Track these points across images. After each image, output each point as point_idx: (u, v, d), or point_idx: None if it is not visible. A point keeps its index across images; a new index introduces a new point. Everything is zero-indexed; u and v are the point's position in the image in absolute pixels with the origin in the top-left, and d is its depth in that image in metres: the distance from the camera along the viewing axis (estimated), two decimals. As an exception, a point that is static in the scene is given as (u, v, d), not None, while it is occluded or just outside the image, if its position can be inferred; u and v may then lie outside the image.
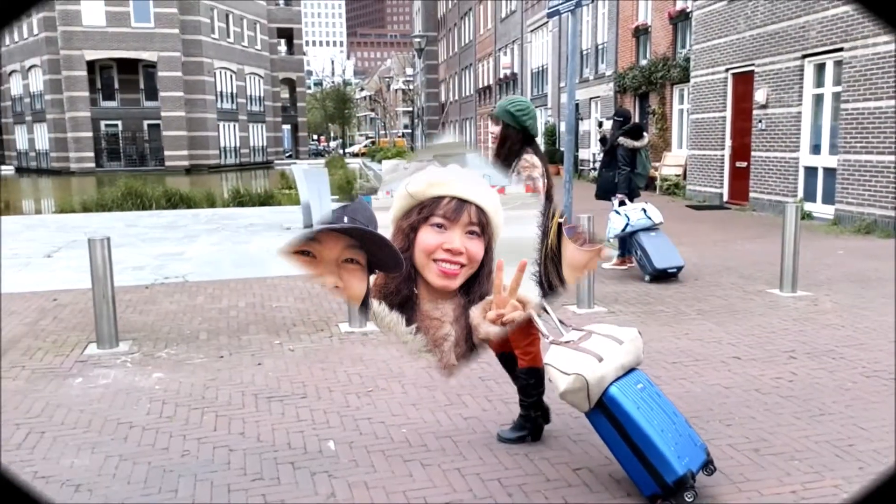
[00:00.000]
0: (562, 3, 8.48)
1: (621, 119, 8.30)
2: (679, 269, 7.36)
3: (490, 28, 41.84)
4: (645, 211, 7.53)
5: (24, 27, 42.85)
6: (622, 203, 7.81)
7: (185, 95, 41.54)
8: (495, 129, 3.47)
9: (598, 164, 9.09)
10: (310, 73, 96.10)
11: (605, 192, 8.23)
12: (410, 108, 56.43)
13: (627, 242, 7.70)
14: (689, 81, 16.46)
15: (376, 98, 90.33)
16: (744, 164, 14.07)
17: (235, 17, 46.22)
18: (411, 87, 70.74)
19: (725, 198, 14.76)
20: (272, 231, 11.79)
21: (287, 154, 57.77)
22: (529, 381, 3.54)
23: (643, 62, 20.40)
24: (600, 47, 24.02)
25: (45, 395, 4.35)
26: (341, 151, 76.76)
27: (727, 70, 14.45)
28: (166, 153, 41.63)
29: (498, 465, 3.40)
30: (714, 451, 3.48)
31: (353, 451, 3.56)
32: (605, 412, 3.04)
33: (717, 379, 4.53)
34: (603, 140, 8.70)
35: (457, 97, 53.50)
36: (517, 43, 36.00)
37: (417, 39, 22.96)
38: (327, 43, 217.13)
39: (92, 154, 41.09)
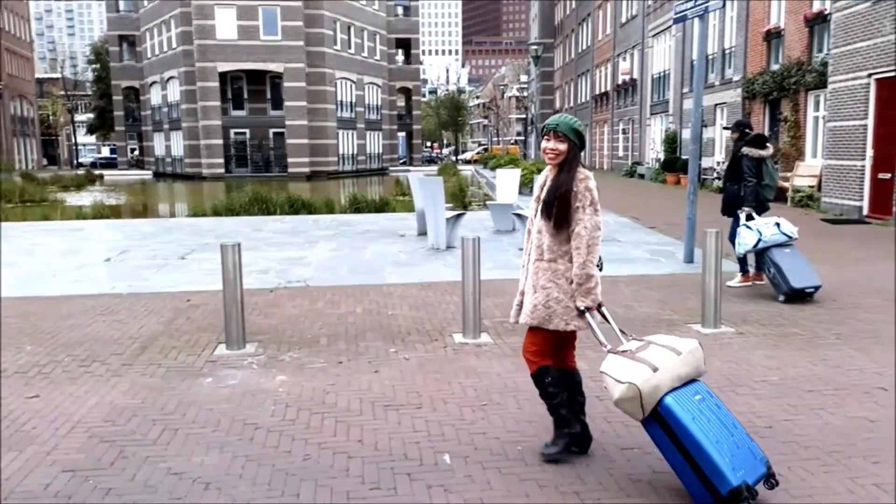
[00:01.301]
0: (689, 8, 8.15)
1: (742, 128, 7.83)
2: (816, 288, 6.87)
3: (609, 33, 41.05)
4: (778, 225, 7.08)
5: (165, 42, 46.08)
6: (749, 217, 7.37)
7: (307, 105, 43.29)
8: (559, 145, 3.48)
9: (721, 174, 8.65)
10: (425, 81, 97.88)
11: (730, 207, 7.77)
12: (524, 115, 56.19)
13: (759, 259, 7.23)
14: (825, 87, 15.44)
15: (490, 105, 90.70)
16: (887, 176, 13.01)
17: (357, 28, 47.74)
18: (525, 93, 70.49)
19: (865, 211, 13.71)
20: (387, 238, 12.02)
21: (401, 161, 59.00)
22: (545, 380, 3.60)
23: (775, 67, 19.36)
24: (727, 52, 23.02)
25: (178, 393, 4.59)
26: (454, 158, 77.59)
27: (870, 75, 13.43)
28: (289, 160, 43.52)
29: (619, 491, 3.26)
30: (858, 491, 3.19)
31: (468, 467, 3.53)
32: (659, 421, 3.10)
33: (859, 411, 4.17)
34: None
35: (572, 104, 52.83)
36: (637, 48, 35.12)
37: (534, 46, 22.79)
38: (443, 52, 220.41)
39: (222, 160, 43.57)
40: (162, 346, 5.66)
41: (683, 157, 25.51)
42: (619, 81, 38.34)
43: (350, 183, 37.37)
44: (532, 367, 3.61)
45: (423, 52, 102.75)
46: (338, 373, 4.98)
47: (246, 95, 45.10)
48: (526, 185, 17.90)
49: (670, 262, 9.28)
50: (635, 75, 35.76)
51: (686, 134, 25.24)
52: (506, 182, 13.49)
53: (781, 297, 6.84)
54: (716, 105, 23.48)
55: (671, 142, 27.71)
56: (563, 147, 3.46)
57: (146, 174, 50.15)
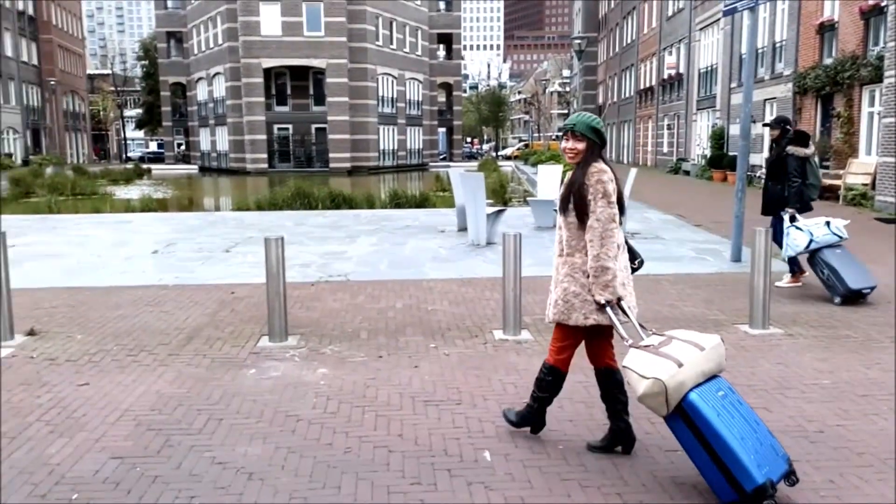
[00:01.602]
0: (740, 1, 7.95)
1: (783, 125, 7.55)
2: (872, 289, 6.65)
3: (655, 27, 40.41)
4: (828, 225, 6.87)
5: (211, 38, 46.84)
6: (793, 218, 7.14)
7: (349, 100, 43.58)
8: (577, 144, 3.53)
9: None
10: (466, 76, 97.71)
11: (773, 207, 7.52)
12: (566, 111, 55.72)
13: (811, 261, 6.99)
14: (881, 82, 14.95)
15: (531, 101, 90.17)
16: (945, 174, 12.54)
17: (399, 23, 47.86)
18: (568, 89, 69.89)
19: (921, 210, 13.25)
20: (427, 233, 12.03)
21: (441, 157, 59.03)
22: (547, 377, 3.69)
23: (828, 61, 18.83)
24: (778, 45, 22.46)
25: (223, 384, 4.65)
26: (494, 154, 77.38)
27: (928, 68, 12.96)
28: (331, 155, 43.89)
29: (663, 492, 3.20)
30: (918, 502, 3.08)
31: (508, 464, 3.50)
32: (684, 418, 3.07)
33: (916, 418, 4.02)
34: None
35: (615, 99, 52.18)
36: (684, 42, 34.51)
37: (577, 41, 22.53)
38: (484, 47, 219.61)
39: (265, 155, 44.16)
40: (207, 336, 5.75)
41: (730, 153, 24.99)
42: (665, 76, 37.74)
43: (390, 178, 37.53)
44: (547, 359, 3.70)
45: (465, 47, 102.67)
46: (378, 367, 4.99)
47: (289, 91, 45.61)
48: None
49: (717, 261, 9.09)
50: (681, 70, 35.15)
51: (734, 130, 24.72)
52: (547, 178, 13.39)
53: (837, 300, 6.62)
54: (765, 100, 22.94)
55: (718, 138, 27.18)
56: (581, 146, 3.49)
57: (192, 169, 51.12)
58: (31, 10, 56.75)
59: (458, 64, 58.99)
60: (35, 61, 57.38)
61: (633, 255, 3.68)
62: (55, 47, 60.33)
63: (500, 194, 17.64)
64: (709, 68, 30.97)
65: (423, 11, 51.34)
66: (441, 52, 57.52)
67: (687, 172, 30.43)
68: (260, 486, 3.28)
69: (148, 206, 18.16)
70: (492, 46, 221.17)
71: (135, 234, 12.31)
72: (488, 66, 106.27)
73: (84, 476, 3.37)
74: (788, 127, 7.54)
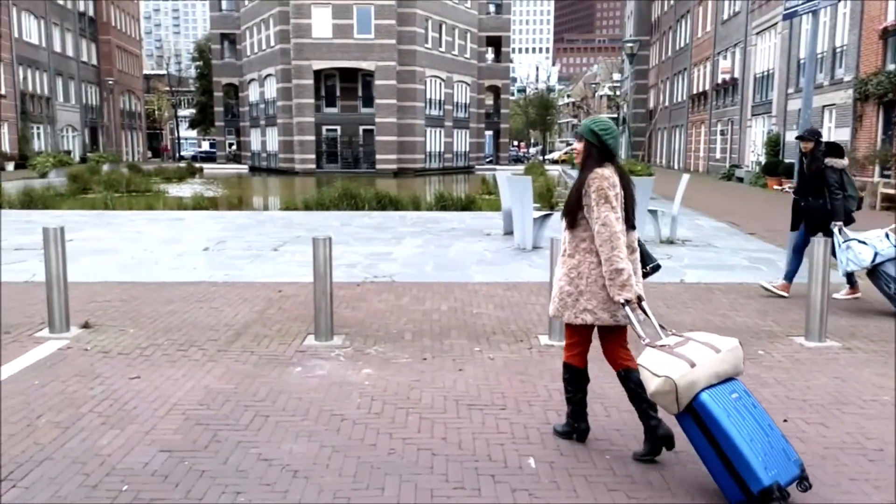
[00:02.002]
0: (801, 4, 7.74)
1: (817, 137, 7.20)
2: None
3: (709, 31, 39.68)
4: (888, 237, 6.61)
5: (263, 40, 47.66)
6: (840, 231, 6.89)
7: (397, 103, 43.85)
8: (578, 145, 3.68)
9: (788, 187, 7.97)
10: (514, 79, 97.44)
11: (816, 222, 7.10)
12: (615, 115, 55.10)
13: (873, 274, 6.69)
14: (947, 88, 14.38)
15: (580, 104, 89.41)
16: None
17: (448, 26, 47.97)
18: (618, 92, 69.11)
19: None
20: (473, 236, 12.00)
21: (488, 160, 58.93)
22: (565, 374, 3.81)
23: (891, 67, 18.20)
24: (839, 50, 21.81)
25: (269, 381, 4.70)
26: (541, 158, 76.93)
27: None
28: (377, 157, 44.21)
29: (714, 509, 3.11)
30: None
31: (553, 472, 3.45)
32: (694, 417, 3.13)
33: (985, 440, 3.83)
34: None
35: (667, 103, 51.38)
36: (739, 46, 33.80)
37: (629, 44, 22.24)
38: (534, 49, 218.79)
39: (314, 156, 44.71)
40: (255, 334, 5.83)
41: (786, 160, 24.35)
42: (719, 80, 37.00)
43: (436, 180, 37.62)
44: (563, 357, 3.82)
45: (514, 49, 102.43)
46: (422, 369, 4.98)
47: (338, 93, 46.10)
48: (616, 187, 17.49)
49: (771, 271, 8.85)
50: (736, 74, 34.43)
51: (790, 136, 24.08)
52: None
53: (903, 313, 6.36)
54: (824, 107, 22.30)
55: (773, 144, 26.52)
56: (579, 147, 3.63)
57: (242, 168, 52.06)
58: (91, 12, 58.62)
59: (506, 67, 58.82)
60: (94, 61, 59.23)
61: (645, 260, 3.77)
62: (113, 48, 62.19)
63: (547, 198, 17.49)
64: (765, 73, 30.26)
65: (473, 14, 51.34)
66: (490, 55, 57.44)
67: (740, 179, 29.77)
68: (305, 484, 3.29)
69: (200, 204, 18.54)
70: (541, 49, 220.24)
71: (187, 231, 12.57)
72: (537, 69, 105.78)
73: (134, 468, 3.43)
74: (821, 139, 7.24)
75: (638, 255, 3.69)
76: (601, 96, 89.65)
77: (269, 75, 47.62)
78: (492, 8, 55.66)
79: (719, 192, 23.45)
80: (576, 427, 3.83)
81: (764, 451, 3.00)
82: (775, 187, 7.43)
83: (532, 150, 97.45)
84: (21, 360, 5.03)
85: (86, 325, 5.91)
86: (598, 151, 3.56)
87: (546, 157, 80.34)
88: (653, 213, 11.14)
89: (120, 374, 4.78)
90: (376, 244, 11.04)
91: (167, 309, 6.63)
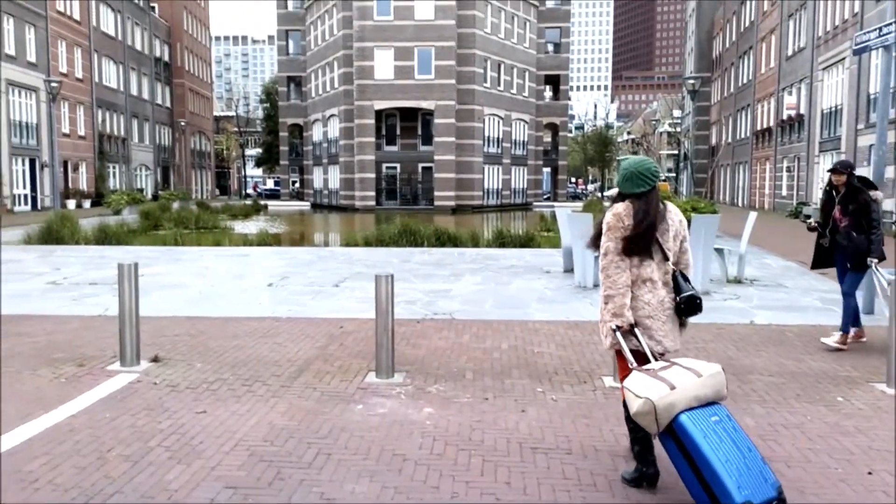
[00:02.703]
0: (872, 39, 7.52)
1: (850, 169, 6.79)
2: None
3: (773, 66, 39.00)
4: None
5: (328, 82, 49.07)
6: (869, 265, 6.56)
7: (456, 140, 44.35)
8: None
9: (810, 221, 7.38)
10: (572, 116, 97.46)
11: (858, 258, 6.67)
12: (676, 151, 54.32)
13: None
14: None
15: (640, 141, 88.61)
16: None
17: (506, 66, 48.49)
18: (678, 129, 68.28)
19: None
20: (532, 273, 11.90)
21: (545, 196, 58.79)
22: (623, 406, 3.85)
23: (967, 100, 17.48)
24: (909, 84, 21.08)
25: (331, 418, 4.71)
26: (599, 194, 76.32)
27: None
28: (436, 193, 44.64)
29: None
30: None
31: (622, 522, 3.32)
32: (674, 437, 3.32)
33: None
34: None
35: (730, 139, 50.47)
36: (805, 81, 33.07)
37: (691, 81, 22.00)
38: (592, 87, 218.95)
39: (374, 193, 45.46)
40: (317, 370, 5.87)
41: (856, 197, 23.49)
42: (784, 117, 36.20)
43: (494, 217, 37.65)
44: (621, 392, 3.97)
45: (572, 87, 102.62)
46: (484, 409, 4.91)
47: (398, 131, 46.96)
48: (679, 224, 17.13)
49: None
50: (802, 110, 33.64)
51: (862, 173, 23.25)
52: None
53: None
54: (896, 142, 21.51)
55: (843, 181, 25.64)
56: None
57: (305, 205, 53.24)
58: (166, 57, 61.53)
59: (564, 104, 58.92)
60: (168, 104, 61.95)
61: (677, 291, 3.80)
62: (186, 91, 64.98)
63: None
64: (833, 109, 29.47)
65: (532, 54, 51.80)
66: (548, 93, 57.68)
67: (808, 217, 28.82)
68: (367, 525, 3.25)
69: (264, 240, 18.99)
70: (599, 87, 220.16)
71: (252, 266, 12.87)
72: (595, 106, 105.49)
73: None
74: (854, 171, 6.86)
75: (661, 286, 3.77)
76: (661, 133, 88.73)
77: (332, 115, 48.90)
78: (550, 47, 56.05)
79: (787, 230, 22.74)
80: (644, 472, 3.71)
81: (739, 472, 3.14)
82: (808, 221, 6.99)
83: (590, 187, 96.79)
84: (93, 393, 5.18)
85: (155, 359, 6.06)
86: (619, 191, 3.89)
87: (605, 193, 79.65)
88: (719, 251, 10.85)
89: (187, 409, 4.86)
90: (436, 281, 11.06)
91: (233, 344, 6.76)
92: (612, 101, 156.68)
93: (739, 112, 47.90)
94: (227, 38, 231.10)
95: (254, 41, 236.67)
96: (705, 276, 9.86)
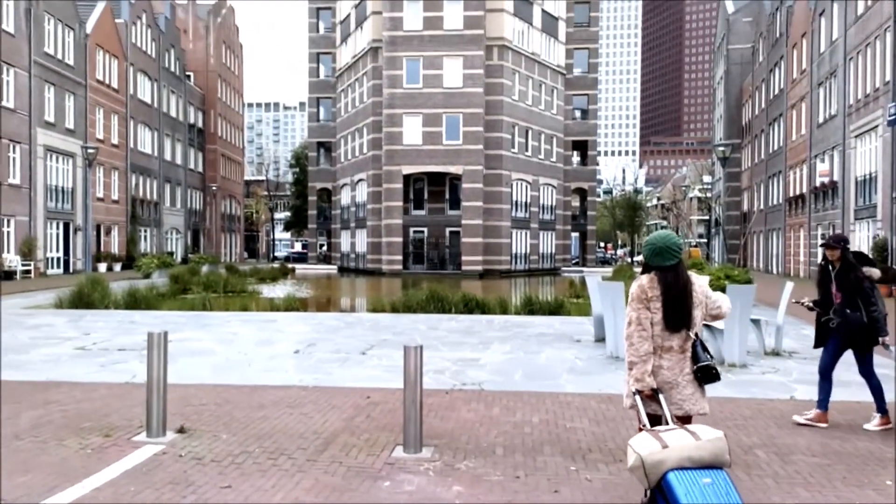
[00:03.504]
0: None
1: (844, 244, 6.57)
2: None
3: (804, 133, 39.00)
4: None
5: (357, 147, 50.10)
6: (886, 346, 6.34)
7: (483, 205, 44.67)
8: None
9: (804, 301, 7.20)
10: (600, 181, 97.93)
11: (855, 337, 6.47)
12: (707, 217, 54.02)
13: None
14: None
15: (670, 206, 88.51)
16: None
17: (534, 132, 49.16)
18: (709, 194, 68.12)
19: None
20: (562, 342, 11.72)
21: (574, 261, 58.59)
22: None
23: None
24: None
25: (357, 496, 4.57)
26: (629, 259, 75.84)
27: None
28: (463, 258, 44.72)
29: None
30: None
31: None
32: (661, 493, 3.54)
33: None
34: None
35: (762, 206, 50.15)
36: (837, 149, 32.95)
37: (721, 148, 22.01)
38: (620, 152, 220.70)
39: (401, 257, 45.69)
40: (343, 443, 5.74)
41: (895, 266, 23.02)
42: (817, 184, 35.94)
43: (522, 282, 37.51)
44: None
45: (600, 152, 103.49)
46: (515, 489, 4.74)
47: (426, 196, 47.49)
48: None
49: (889, 386, 8.13)
50: (835, 177, 33.39)
51: (896, 240, 22.85)
52: (690, 288, 12.79)
53: None
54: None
55: (881, 250, 25.22)
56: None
57: (332, 269, 53.63)
58: (200, 123, 63.46)
59: (592, 170, 59.30)
60: (200, 168, 63.55)
61: (696, 359, 4.06)
62: (218, 156, 66.70)
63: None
64: (867, 176, 29.21)
65: (559, 120, 52.52)
66: (576, 158, 58.18)
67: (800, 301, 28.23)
68: None
69: (291, 305, 19.05)
70: (627, 152, 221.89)
71: (278, 332, 12.85)
72: (623, 171, 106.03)
73: (221, 589, 3.32)
74: (848, 246, 6.63)
75: (682, 355, 4.07)
76: (691, 198, 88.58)
77: (360, 180, 49.70)
78: (578, 114, 56.83)
79: (822, 298, 22.23)
80: None
81: None
82: (802, 302, 6.77)
83: (620, 252, 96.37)
84: (119, 466, 5.10)
85: (181, 430, 5.99)
86: (646, 265, 4.21)
87: (634, 258, 79.17)
88: (755, 322, 10.58)
89: (212, 483, 4.76)
90: (464, 349, 10.92)
91: (259, 414, 6.67)
92: (640, 166, 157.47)
93: (771, 178, 47.72)
94: (259, 104, 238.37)
95: (285, 108, 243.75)
96: (742, 347, 9.59)
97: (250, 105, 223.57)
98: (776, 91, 46.35)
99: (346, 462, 5.26)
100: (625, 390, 4.19)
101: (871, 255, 25.55)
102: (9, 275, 30.39)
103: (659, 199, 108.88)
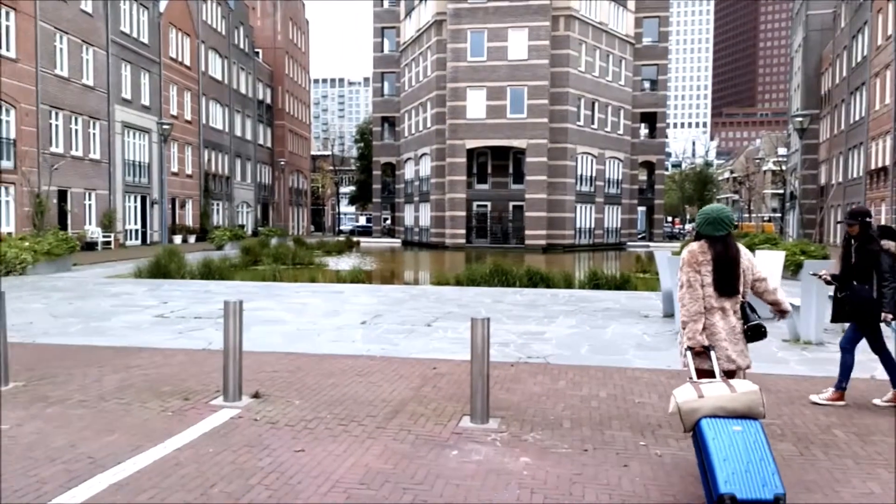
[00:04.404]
0: None
1: (863, 218, 6.21)
2: None
3: (888, 103, 37.03)
4: None
5: (420, 122, 50.16)
6: (887, 322, 5.96)
7: (547, 179, 44.20)
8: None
9: (823, 273, 6.79)
10: (669, 154, 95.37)
11: (862, 311, 6.14)
12: (781, 191, 52.07)
13: None
14: None
15: (742, 179, 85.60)
16: None
17: (601, 104, 48.16)
18: (784, 167, 65.61)
19: None
20: (629, 317, 11.55)
21: (640, 236, 57.50)
22: None
23: None
24: None
25: (426, 463, 4.64)
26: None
27: None
28: (527, 232, 44.48)
29: None
30: None
31: None
32: (694, 437, 4.02)
33: None
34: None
35: (841, 179, 48.02)
36: (921, 118, 31.11)
37: (798, 118, 21.04)
38: (690, 124, 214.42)
39: (464, 231, 45.77)
40: (412, 412, 5.83)
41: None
42: (900, 155, 34.14)
43: (586, 257, 37.07)
44: None
45: (669, 124, 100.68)
46: (583, 461, 4.72)
47: (489, 170, 47.30)
48: (788, 269, 16.26)
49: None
50: (919, 148, 31.61)
51: None
52: (766, 265, 12.38)
53: None
54: None
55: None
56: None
57: (396, 242, 54.19)
58: (269, 99, 64.64)
59: (661, 142, 57.82)
60: (269, 144, 64.83)
61: (746, 319, 4.50)
62: (286, 132, 67.88)
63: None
64: (955, 145, 27.53)
65: (627, 91, 51.27)
66: (644, 131, 56.81)
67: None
68: (465, 582, 3.14)
69: (357, 277, 19.36)
70: (698, 124, 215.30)
71: (345, 303, 13.09)
72: (693, 143, 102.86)
73: (298, 547, 3.44)
74: (869, 220, 6.25)
75: (731, 317, 4.48)
76: (765, 171, 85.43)
77: (424, 154, 49.82)
78: (646, 84, 55.33)
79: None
80: None
81: (733, 471, 3.64)
82: (811, 274, 6.47)
83: (688, 226, 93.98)
84: (198, 427, 5.32)
85: (256, 395, 6.19)
86: (696, 233, 4.63)
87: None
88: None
89: (286, 447, 4.91)
90: (529, 323, 10.90)
91: (329, 382, 6.83)
92: (711, 139, 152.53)
93: (851, 150, 45.59)
94: (324, 80, 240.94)
95: (350, 83, 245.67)
96: (819, 325, 9.26)
97: (316, 81, 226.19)
98: (859, 58, 44.06)
99: (414, 430, 5.34)
100: (680, 349, 4.61)
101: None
102: (91, 245, 31.85)
103: (732, 172, 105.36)
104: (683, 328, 4.46)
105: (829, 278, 6.65)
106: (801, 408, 6.12)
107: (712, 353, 4.36)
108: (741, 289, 4.50)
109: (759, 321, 4.47)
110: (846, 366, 6.27)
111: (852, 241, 6.34)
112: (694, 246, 4.53)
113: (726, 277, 4.44)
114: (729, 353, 4.42)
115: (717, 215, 4.51)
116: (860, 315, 6.20)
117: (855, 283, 6.20)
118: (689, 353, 4.42)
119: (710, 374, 4.35)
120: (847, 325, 6.63)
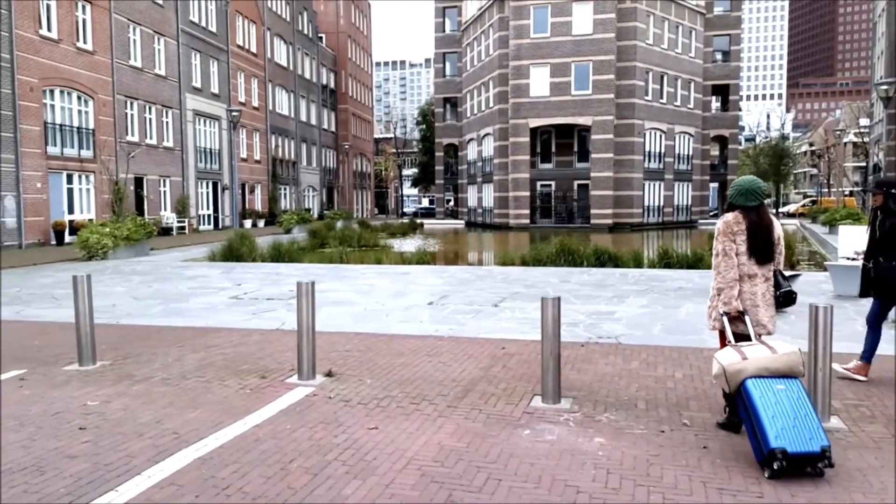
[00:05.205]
0: None
1: (889, 189, 5.93)
2: None
3: (977, 67, 34.66)
4: None
5: (483, 102, 49.83)
6: None
7: (614, 156, 43.32)
8: None
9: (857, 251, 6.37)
10: (742, 128, 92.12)
11: (886, 287, 5.93)
12: (864, 164, 49.63)
13: None
14: None
15: (820, 153, 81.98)
16: None
17: (670, 77, 46.79)
18: (866, 139, 62.53)
19: None
20: (703, 297, 11.22)
21: (712, 213, 55.88)
22: None
23: None
24: None
25: (499, 442, 4.63)
26: (774, 211, 71.35)
27: None
28: (592, 211, 43.78)
29: None
30: None
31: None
32: (740, 397, 4.24)
33: None
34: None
35: (924, 150, 45.39)
36: None
37: (883, 87, 19.93)
38: (764, 96, 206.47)
39: (528, 211, 45.39)
40: (482, 391, 5.82)
41: None
42: None
43: (655, 235, 36.28)
44: None
45: (742, 97, 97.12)
46: (660, 443, 4.62)
47: (553, 149, 46.67)
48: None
49: None
50: None
51: None
52: (849, 240, 11.83)
53: None
54: None
55: None
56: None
57: (459, 223, 54.23)
58: (332, 84, 65.38)
59: (734, 116, 55.84)
60: (333, 128, 65.70)
61: (777, 286, 4.71)
62: (350, 115, 68.61)
63: (787, 256, 15.98)
64: None
65: (698, 63, 49.60)
66: (716, 104, 54.97)
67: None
68: (544, 561, 3.12)
69: (422, 259, 19.45)
70: (773, 96, 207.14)
71: (412, 284, 13.18)
72: (768, 116, 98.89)
73: (376, 522, 3.48)
74: (894, 190, 5.90)
75: (763, 283, 4.70)
76: (846, 143, 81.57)
77: (486, 134, 49.53)
78: (718, 56, 53.43)
79: None
80: (731, 420, 4.72)
81: (783, 426, 3.91)
82: (855, 252, 6.13)
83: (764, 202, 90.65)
84: (275, 405, 5.45)
85: (329, 374, 6.30)
86: (729, 204, 4.80)
87: (780, 209, 74.38)
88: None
89: (360, 424, 4.98)
90: (598, 302, 10.74)
91: (399, 361, 6.89)
92: (787, 111, 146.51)
93: (937, 119, 43.01)
94: (386, 63, 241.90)
95: (411, 65, 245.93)
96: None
97: (378, 64, 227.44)
98: (950, 20, 41.36)
99: (485, 409, 5.33)
100: (710, 314, 4.83)
101: None
102: (166, 231, 33.03)
103: (811, 145, 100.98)
104: (718, 294, 4.70)
105: (856, 254, 6.43)
106: (884, 388, 5.83)
107: (746, 318, 4.62)
108: (775, 257, 4.73)
109: (790, 288, 4.71)
110: (872, 341, 6.09)
111: (878, 214, 6.10)
112: (728, 216, 4.74)
113: (761, 245, 4.66)
114: (760, 318, 4.67)
115: (750, 186, 4.74)
116: (884, 291, 6.05)
117: (881, 259, 5.99)
118: (724, 319, 4.65)
119: (744, 337, 4.61)
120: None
